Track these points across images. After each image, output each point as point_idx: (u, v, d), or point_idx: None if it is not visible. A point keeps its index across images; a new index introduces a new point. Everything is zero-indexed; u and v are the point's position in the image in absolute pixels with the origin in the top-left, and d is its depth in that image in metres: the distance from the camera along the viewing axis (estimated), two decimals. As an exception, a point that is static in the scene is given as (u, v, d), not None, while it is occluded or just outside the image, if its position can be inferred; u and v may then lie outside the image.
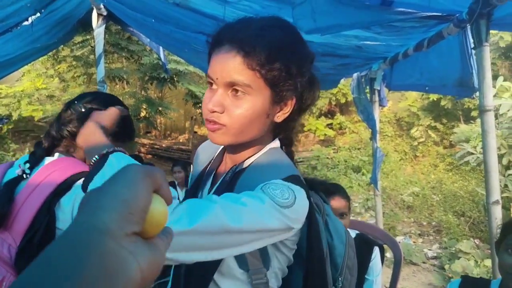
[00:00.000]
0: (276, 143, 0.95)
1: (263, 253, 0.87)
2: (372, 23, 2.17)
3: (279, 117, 0.88)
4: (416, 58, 3.02)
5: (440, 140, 10.82)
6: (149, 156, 9.88)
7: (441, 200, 7.23)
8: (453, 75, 2.68)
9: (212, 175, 1.01)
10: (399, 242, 5.30)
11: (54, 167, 1.15)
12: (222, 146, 1.02)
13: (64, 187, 1.08)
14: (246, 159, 0.93)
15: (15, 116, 8.40)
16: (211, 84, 0.85)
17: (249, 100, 0.82)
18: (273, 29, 0.82)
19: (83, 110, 1.22)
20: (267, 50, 0.79)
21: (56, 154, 1.22)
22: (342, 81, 4.76)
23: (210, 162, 1.05)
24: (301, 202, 0.81)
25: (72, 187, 1.09)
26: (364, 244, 1.91)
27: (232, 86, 0.81)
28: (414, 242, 5.61)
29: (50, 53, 7.04)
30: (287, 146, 1.00)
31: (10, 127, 9.07)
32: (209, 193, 0.97)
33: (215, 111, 0.82)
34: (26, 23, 3.34)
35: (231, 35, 0.81)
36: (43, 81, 8.57)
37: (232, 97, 0.82)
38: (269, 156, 0.93)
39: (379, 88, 3.99)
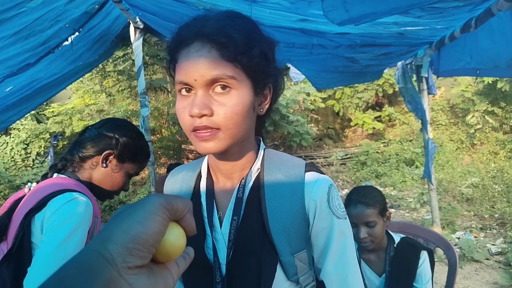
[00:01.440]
0: (260, 143, 0.94)
1: (309, 256, 0.87)
2: (411, 6, 2.02)
3: (262, 109, 0.84)
4: (464, 40, 2.83)
5: (500, 125, 10.14)
6: (197, 162, 10.03)
7: (504, 190, 6.73)
8: (507, 55, 2.46)
9: (214, 201, 0.90)
10: (459, 238, 5.01)
11: (42, 185, 1.24)
12: (199, 169, 0.95)
13: (40, 204, 1.16)
14: (247, 167, 0.88)
15: (68, 132, 8.84)
16: (186, 90, 0.77)
17: (236, 94, 0.75)
18: (237, 19, 0.78)
19: (94, 134, 1.37)
20: (243, 37, 0.75)
21: (55, 174, 1.31)
22: (386, 71, 4.58)
23: (195, 191, 0.93)
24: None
25: (47, 204, 1.17)
26: (410, 249, 1.76)
27: (213, 84, 0.75)
28: (475, 237, 5.26)
29: (96, 69, 7.34)
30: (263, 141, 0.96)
31: (64, 143, 9.55)
32: (221, 218, 0.88)
33: (204, 115, 0.74)
34: (66, 43, 3.46)
35: (196, 31, 0.75)
36: (91, 97, 8.97)
37: (216, 95, 0.75)
38: (271, 156, 0.91)
39: (426, 76, 3.79)
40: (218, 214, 0.89)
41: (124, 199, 7.99)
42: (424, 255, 1.73)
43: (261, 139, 0.95)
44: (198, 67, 0.73)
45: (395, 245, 1.78)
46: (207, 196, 0.91)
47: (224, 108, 0.75)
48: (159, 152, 8.73)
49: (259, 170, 0.89)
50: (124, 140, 1.36)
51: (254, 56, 0.76)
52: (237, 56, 0.74)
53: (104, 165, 1.35)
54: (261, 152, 0.91)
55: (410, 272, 1.71)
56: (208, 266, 0.85)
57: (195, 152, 9.99)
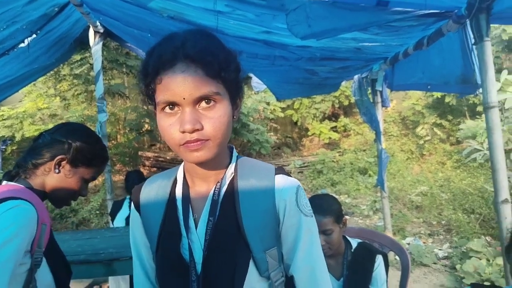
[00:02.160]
0: (233, 149, 1.01)
1: (279, 252, 0.94)
2: (369, 24, 2.14)
3: (236, 116, 0.91)
4: (416, 57, 3.00)
5: (447, 137, 10.72)
6: (154, 169, 9.86)
7: (450, 198, 7.12)
8: (455, 73, 2.64)
9: (189, 204, 0.94)
10: (409, 244, 5.24)
11: None
12: (175, 176, 1.00)
13: None
14: (221, 172, 0.95)
15: (18, 137, 8.42)
16: (170, 108, 0.81)
17: (220, 107, 0.82)
18: (211, 37, 0.86)
19: (47, 139, 1.34)
20: (223, 55, 0.83)
21: (4, 182, 1.28)
22: (343, 83, 4.75)
23: (171, 196, 0.98)
24: None
25: None
26: (367, 253, 1.85)
27: (199, 101, 0.81)
28: (424, 242, 5.52)
29: (50, 73, 7.08)
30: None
31: (13, 148, 9.09)
32: (197, 220, 0.93)
33: (196, 130, 0.80)
34: (22, 45, 3.34)
35: (178, 52, 0.79)
36: (44, 100, 8.61)
37: (203, 110, 0.81)
38: (243, 161, 0.99)
39: (381, 89, 3.96)
40: (193, 217, 0.93)
41: (77, 207, 7.71)
42: (379, 259, 1.83)
43: (233, 146, 1.02)
44: (186, 87, 0.78)
45: (352, 250, 1.86)
46: (183, 200, 0.95)
47: (212, 120, 0.81)
48: (114, 159, 8.50)
49: (233, 174, 0.95)
50: (77, 145, 1.31)
51: (232, 71, 0.84)
52: (220, 73, 0.81)
53: (57, 170, 1.31)
54: (234, 158, 0.98)
55: (366, 275, 1.80)
56: (183, 266, 0.90)
57: (152, 159, 9.85)
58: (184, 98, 0.79)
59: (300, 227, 0.93)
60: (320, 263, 0.96)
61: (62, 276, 1.33)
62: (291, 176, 0.97)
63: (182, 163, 0.99)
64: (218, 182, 0.93)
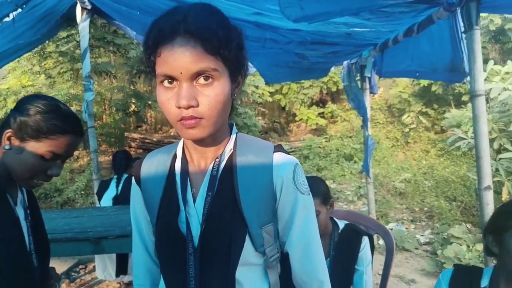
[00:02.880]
0: (233, 126, 1.02)
1: (275, 228, 0.96)
2: (361, 9, 2.14)
3: (236, 94, 0.91)
4: (406, 44, 3.00)
5: (432, 125, 10.85)
6: (140, 150, 9.80)
7: (433, 186, 7.26)
8: (444, 60, 2.66)
9: (187, 179, 0.96)
10: (392, 229, 5.34)
11: None
12: (175, 151, 1.01)
13: None
14: (220, 148, 0.96)
15: (1, 114, 8.25)
16: (169, 82, 0.82)
17: (217, 84, 0.82)
18: (214, 13, 0.84)
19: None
20: (223, 32, 0.81)
21: None
22: (332, 69, 4.74)
23: (170, 171, 1.00)
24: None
25: None
26: (353, 234, 1.89)
27: (198, 76, 0.80)
28: (406, 228, 5.64)
29: (35, 50, 6.91)
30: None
31: (-4, 125, 8.92)
32: (195, 194, 0.95)
33: (191, 106, 0.80)
34: (7, 19, 3.25)
35: (178, 26, 0.79)
36: (29, 78, 8.43)
37: (200, 87, 0.81)
38: (242, 138, 0.99)
39: (369, 75, 3.97)
40: (192, 191, 0.95)
41: (61, 186, 7.65)
42: (365, 240, 1.86)
43: (233, 123, 1.02)
44: (184, 61, 0.78)
45: (339, 231, 1.90)
46: (182, 175, 0.97)
47: (208, 98, 0.81)
48: (99, 139, 8.41)
49: (232, 150, 0.96)
50: (22, 117, 1.17)
51: (232, 48, 0.83)
52: (219, 50, 0.80)
53: (7, 147, 1.18)
54: (233, 135, 0.99)
55: (352, 255, 1.84)
56: (181, 239, 0.92)
57: (138, 140, 9.78)
58: (181, 73, 0.79)
59: (296, 204, 0.94)
60: (315, 240, 0.98)
61: (40, 254, 1.29)
62: (289, 154, 0.98)
63: (182, 139, 0.99)
64: (217, 157, 0.95)
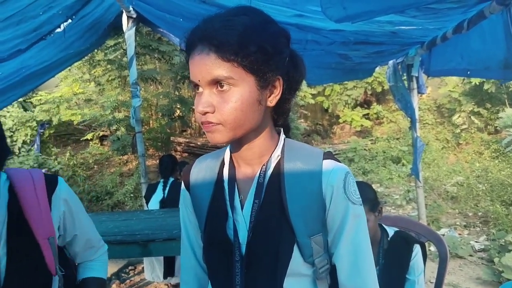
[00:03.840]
0: (281, 132, 0.99)
1: (325, 239, 0.92)
2: (407, 6, 2.05)
3: (272, 101, 0.88)
4: (455, 41, 2.86)
5: (484, 126, 10.31)
6: (185, 154, 9.98)
7: (488, 190, 6.87)
8: (497, 57, 2.50)
9: (235, 185, 0.96)
10: (444, 235, 5.10)
11: None
12: (222, 157, 1.01)
13: None
14: (266, 155, 0.94)
15: (55, 121, 8.71)
16: (196, 88, 0.85)
17: (235, 91, 0.81)
18: (237, 17, 0.82)
19: None
20: (235, 37, 0.79)
21: None
22: (377, 69, 4.63)
23: (218, 177, 0.99)
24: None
25: None
26: (404, 242, 1.80)
27: (215, 83, 0.81)
28: (459, 234, 5.37)
29: (85, 58, 7.23)
30: (287, 133, 1.01)
31: (51, 132, 9.41)
32: (243, 201, 0.94)
33: (206, 112, 0.82)
34: (58, 30, 3.41)
35: (199, 35, 0.82)
36: (80, 85, 8.84)
37: (218, 93, 0.82)
38: (291, 145, 0.96)
39: (417, 75, 3.83)
40: (239, 198, 0.95)
41: (112, 190, 7.94)
42: (417, 248, 1.77)
43: (281, 129, 1.00)
44: (200, 69, 0.81)
45: (388, 239, 1.82)
46: (229, 181, 0.96)
47: (224, 105, 0.81)
48: (147, 144, 8.67)
49: (279, 157, 0.94)
50: None
51: (250, 53, 0.79)
52: (231, 56, 0.78)
53: None
54: (281, 141, 0.96)
55: (403, 264, 1.75)
56: (228, 245, 0.92)
57: (183, 144, 9.97)
58: (199, 80, 0.82)
59: (346, 214, 0.90)
60: (365, 253, 0.93)
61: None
62: (340, 162, 0.94)
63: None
64: (264, 164, 0.94)
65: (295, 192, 0.89)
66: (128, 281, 4.47)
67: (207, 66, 0.79)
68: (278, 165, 0.93)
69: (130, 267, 4.80)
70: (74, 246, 1.36)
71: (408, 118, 4.24)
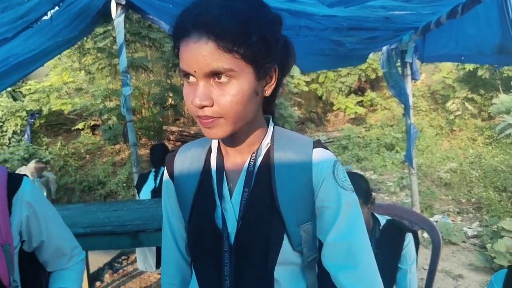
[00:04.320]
0: (270, 120, 0.96)
1: (313, 227, 0.91)
2: (400, -10, 2.00)
3: (268, 91, 0.85)
4: (450, 26, 2.82)
5: (478, 112, 10.34)
6: (179, 143, 9.93)
7: (481, 176, 6.90)
8: (492, 42, 2.46)
9: (224, 174, 0.93)
10: (437, 222, 5.12)
11: None
12: (209, 145, 0.98)
13: None
14: (256, 143, 0.91)
15: (45, 110, 8.63)
16: (187, 77, 0.79)
17: (235, 83, 0.76)
18: (234, 2, 0.76)
19: None
20: (238, 26, 0.73)
21: None
22: (370, 55, 4.58)
23: (205, 165, 0.96)
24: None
25: None
26: (396, 231, 1.78)
27: (213, 75, 0.76)
28: (452, 220, 5.39)
29: (75, 46, 7.12)
30: (273, 118, 0.99)
31: (42, 121, 9.32)
32: (231, 190, 0.91)
33: (204, 106, 0.77)
34: (45, 17, 3.32)
35: (194, 20, 0.74)
36: (70, 74, 8.73)
37: (216, 85, 0.77)
38: (280, 133, 0.94)
39: (411, 61, 3.79)
40: (228, 186, 0.92)
41: (104, 179, 7.90)
42: (409, 237, 1.75)
43: (270, 117, 0.97)
44: (196, 59, 0.74)
45: (380, 227, 1.80)
46: (217, 170, 0.94)
47: (224, 98, 0.76)
48: (139, 133, 8.60)
49: (269, 145, 0.92)
50: None
51: (252, 43, 0.75)
52: (233, 47, 0.73)
53: None
54: (270, 129, 0.94)
55: (395, 253, 1.73)
56: (217, 235, 0.89)
57: (176, 133, 9.91)
58: (194, 71, 0.76)
59: (339, 200, 0.88)
60: (360, 240, 0.89)
61: None
62: (329, 150, 0.92)
63: None
64: (253, 153, 0.91)
65: (285, 181, 0.88)
66: (121, 270, 4.45)
67: (206, 56, 0.73)
68: (268, 153, 0.91)
69: (123, 257, 4.78)
70: (42, 254, 1.24)
71: (402, 105, 4.21)
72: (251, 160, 0.90)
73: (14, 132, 8.57)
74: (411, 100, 4.05)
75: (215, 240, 0.89)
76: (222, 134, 0.81)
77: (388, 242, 1.75)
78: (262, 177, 0.89)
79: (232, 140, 0.90)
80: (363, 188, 1.71)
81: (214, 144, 0.96)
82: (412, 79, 4.02)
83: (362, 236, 0.89)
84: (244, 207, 0.88)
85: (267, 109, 0.95)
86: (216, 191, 0.92)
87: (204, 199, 0.92)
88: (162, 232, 1.06)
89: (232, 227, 0.88)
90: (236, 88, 0.76)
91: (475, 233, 4.87)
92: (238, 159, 0.93)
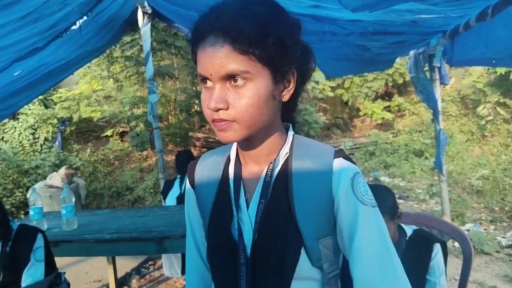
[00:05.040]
0: (289, 128, 0.93)
1: (335, 242, 0.87)
2: (427, -7, 1.95)
3: (285, 95, 0.83)
4: (479, 29, 2.74)
5: (511, 117, 9.99)
6: (204, 149, 10.00)
7: (515, 183, 6.66)
8: (525, 45, 2.38)
9: (241, 183, 0.91)
10: (468, 231, 4.95)
11: None
12: (228, 154, 0.96)
13: None
14: (274, 152, 0.89)
15: (75, 118, 8.85)
16: (204, 82, 0.79)
17: (251, 86, 0.76)
18: (253, 5, 0.76)
19: None
20: (255, 28, 0.73)
21: None
22: (398, 60, 4.50)
23: (224, 174, 0.95)
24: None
25: None
26: (423, 242, 1.71)
27: (229, 78, 0.76)
28: (485, 229, 5.20)
29: (103, 55, 7.29)
30: (293, 127, 0.95)
31: (72, 128, 9.57)
32: (248, 200, 0.89)
33: (220, 109, 0.76)
34: (74, 27, 3.42)
35: (211, 25, 0.75)
36: (99, 82, 8.94)
37: (232, 89, 0.76)
38: (300, 141, 0.91)
39: (439, 65, 3.71)
40: (245, 197, 0.90)
41: (132, 185, 8.02)
42: (437, 247, 1.69)
43: (290, 125, 0.94)
44: (212, 62, 0.74)
45: (406, 238, 1.74)
46: (235, 179, 0.92)
47: (239, 101, 0.76)
48: (166, 139, 8.71)
49: (287, 155, 0.89)
50: None
51: (268, 45, 0.74)
52: (249, 49, 0.73)
53: None
54: (289, 138, 0.91)
55: (422, 265, 1.67)
56: (233, 246, 0.87)
57: (202, 140, 9.99)
58: (210, 74, 0.76)
59: (356, 216, 0.83)
60: (384, 259, 0.82)
61: None
62: (352, 161, 0.88)
63: None
64: (271, 162, 0.88)
65: (303, 193, 0.84)
66: (148, 276, 4.49)
67: (221, 59, 0.73)
68: (286, 163, 0.88)
69: (149, 262, 4.83)
70: None
71: (431, 110, 4.11)
72: (269, 170, 0.88)
73: (45, 139, 8.81)
74: (440, 105, 3.96)
75: (231, 251, 0.87)
76: (237, 138, 0.80)
77: (415, 253, 1.69)
78: (279, 188, 0.86)
79: (249, 147, 0.88)
80: (389, 203, 1.64)
81: (233, 152, 0.95)
82: (441, 83, 3.93)
83: (386, 254, 0.83)
84: (260, 219, 0.85)
85: (287, 117, 0.93)
86: (233, 201, 0.90)
87: (222, 209, 0.91)
88: (186, 241, 1.05)
89: (248, 239, 0.86)
90: (252, 91, 0.75)
91: (510, 242, 4.68)
92: (256, 168, 0.91)
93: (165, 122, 9.12)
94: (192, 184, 1.00)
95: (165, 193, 3.85)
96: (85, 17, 3.46)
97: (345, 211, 0.84)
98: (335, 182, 0.84)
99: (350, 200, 0.83)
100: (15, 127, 8.69)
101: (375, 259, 0.82)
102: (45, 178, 5.99)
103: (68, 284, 2.32)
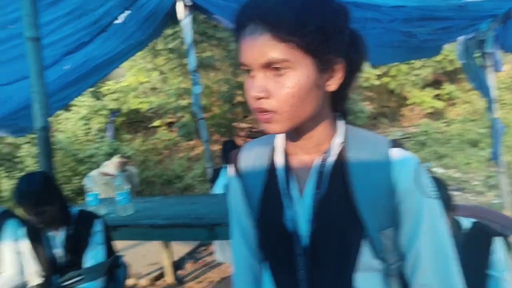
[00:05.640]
0: (342, 120, 0.90)
1: (395, 234, 0.85)
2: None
3: (331, 85, 0.80)
4: (535, 11, 2.55)
5: None
6: (249, 139, 10.07)
7: None
8: None
9: (290, 174, 0.89)
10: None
11: None
12: (272, 144, 0.94)
13: None
14: (325, 143, 0.86)
15: (124, 109, 9.16)
16: (248, 71, 0.78)
17: (292, 75, 0.74)
18: None
19: None
20: (293, 15, 0.71)
21: None
22: (446, 46, 4.28)
23: (270, 164, 0.92)
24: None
25: None
26: (482, 235, 1.61)
27: (269, 66, 0.74)
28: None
29: (147, 48, 7.46)
30: (346, 119, 0.92)
31: (122, 119, 9.91)
32: (301, 190, 0.87)
33: (260, 98, 0.75)
34: (116, 21, 3.53)
35: (251, 13, 0.74)
36: (144, 75, 9.18)
37: (274, 77, 0.75)
38: (353, 132, 0.88)
39: (491, 51, 3.47)
40: (297, 187, 0.88)
41: (181, 173, 8.22)
42: (499, 241, 1.58)
43: (341, 115, 0.91)
44: (252, 51, 0.74)
45: (462, 231, 1.64)
46: (283, 169, 0.90)
47: (280, 90, 0.74)
48: (211, 130, 8.84)
49: (341, 145, 0.87)
50: None
51: (308, 33, 0.72)
52: (288, 37, 0.71)
53: None
54: (341, 127, 0.88)
55: (482, 260, 1.57)
56: (286, 237, 0.86)
57: (246, 130, 10.05)
58: (251, 63, 0.75)
59: (420, 209, 0.82)
60: (444, 253, 0.83)
61: None
62: (408, 151, 0.85)
63: None
64: (324, 152, 0.86)
65: (362, 184, 0.82)
66: (201, 260, 4.59)
67: (261, 47, 0.72)
68: (341, 154, 0.86)
69: (202, 248, 4.91)
70: None
71: (485, 98, 3.88)
72: (322, 160, 0.86)
73: (98, 129, 9.19)
74: (494, 93, 3.72)
75: (284, 242, 0.86)
76: (278, 130, 0.78)
77: (473, 247, 1.58)
78: (337, 179, 0.84)
79: (297, 137, 0.86)
80: (443, 196, 1.56)
81: (278, 142, 0.92)
82: (494, 70, 3.70)
83: (446, 249, 0.83)
84: (318, 209, 0.84)
85: (337, 107, 0.89)
86: (283, 192, 0.88)
87: (271, 200, 0.89)
88: (230, 232, 1.03)
89: (304, 229, 0.85)
90: (293, 80, 0.73)
91: None
92: (306, 158, 0.88)
93: (209, 113, 9.26)
94: (238, 173, 0.98)
95: (213, 182, 3.93)
96: (127, 11, 3.55)
97: (408, 204, 0.82)
98: (396, 172, 0.82)
99: (413, 193, 0.82)
100: (68, 118, 9.11)
101: (435, 270, 0.82)
102: (99, 166, 6.25)
103: (126, 267, 2.40)
